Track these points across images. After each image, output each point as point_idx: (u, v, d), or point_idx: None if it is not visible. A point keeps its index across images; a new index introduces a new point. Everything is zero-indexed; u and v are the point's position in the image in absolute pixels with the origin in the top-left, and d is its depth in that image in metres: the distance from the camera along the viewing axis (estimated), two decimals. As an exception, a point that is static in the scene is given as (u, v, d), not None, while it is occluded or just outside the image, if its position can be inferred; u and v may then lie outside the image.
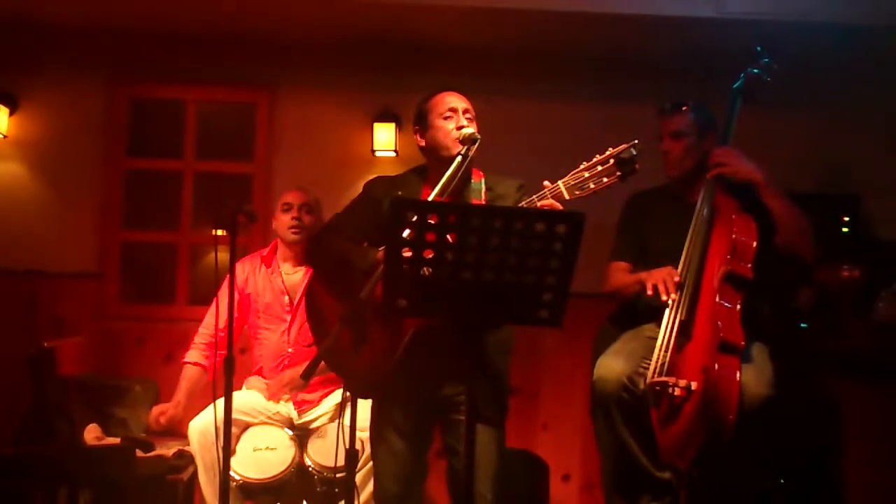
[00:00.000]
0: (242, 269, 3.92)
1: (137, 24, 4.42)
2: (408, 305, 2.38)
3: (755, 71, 3.31)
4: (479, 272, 2.27)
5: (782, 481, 3.61)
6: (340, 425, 2.78)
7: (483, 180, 2.99)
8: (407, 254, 2.23)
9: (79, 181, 4.60)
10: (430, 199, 2.64)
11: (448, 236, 2.22)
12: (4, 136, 4.51)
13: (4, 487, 3.17)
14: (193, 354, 3.83)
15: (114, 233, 4.62)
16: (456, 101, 2.96)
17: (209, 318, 3.84)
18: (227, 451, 2.96)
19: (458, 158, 2.77)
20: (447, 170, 2.76)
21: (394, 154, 4.48)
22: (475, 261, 2.25)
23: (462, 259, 2.25)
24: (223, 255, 3.12)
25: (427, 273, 2.25)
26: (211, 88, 4.68)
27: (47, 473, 3.19)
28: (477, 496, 2.84)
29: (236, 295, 3.76)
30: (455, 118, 2.92)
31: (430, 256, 2.24)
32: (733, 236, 3.03)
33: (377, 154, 4.50)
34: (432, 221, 2.21)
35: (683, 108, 3.32)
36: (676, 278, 3.02)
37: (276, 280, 3.87)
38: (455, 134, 2.88)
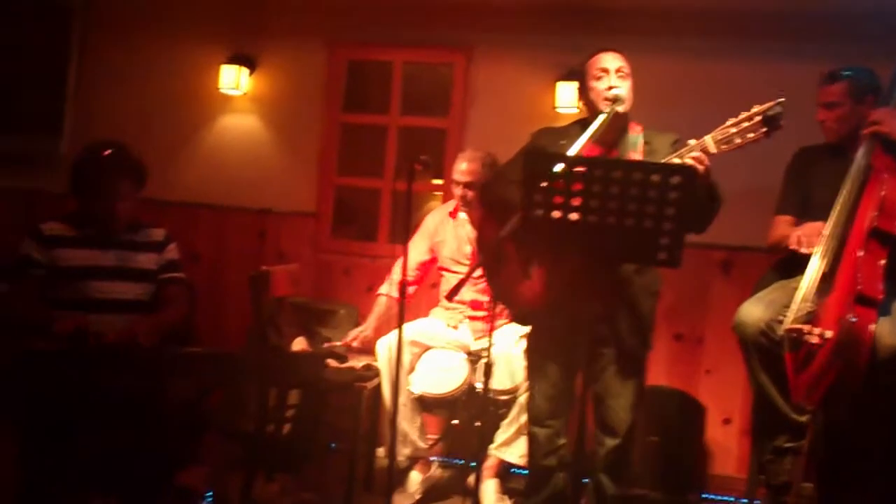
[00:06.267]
0: (434, 218, 4.32)
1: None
2: (539, 245, 2.73)
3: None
4: (603, 217, 2.53)
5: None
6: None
7: (641, 134, 3.15)
8: (540, 200, 2.55)
9: (302, 133, 5.12)
10: (570, 152, 2.85)
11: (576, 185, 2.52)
12: (245, 94, 5.14)
13: (226, 384, 3.65)
14: (386, 287, 4.29)
15: (330, 178, 5.12)
16: (608, 61, 3.11)
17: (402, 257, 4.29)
18: (400, 366, 3.41)
19: (603, 116, 2.98)
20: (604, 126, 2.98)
21: (576, 111, 4.58)
22: (599, 206, 2.52)
23: (588, 205, 2.53)
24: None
25: (558, 216, 2.56)
26: (415, 51, 5.02)
27: (257, 373, 3.71)
28: (616, 419, 3.13)
29: (428, 241, 4.23)
30: (606, 78, 3.09)
31: (560, 202, 2.56)
32: (883, 193, 3.02)
33: (559, 111, 4.67)
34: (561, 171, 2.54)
35: (837, 79, 3.38)
36: (821, 233, 3.09)
37: (460, 231, 4.23)
38: (606, 94, 3.07)
